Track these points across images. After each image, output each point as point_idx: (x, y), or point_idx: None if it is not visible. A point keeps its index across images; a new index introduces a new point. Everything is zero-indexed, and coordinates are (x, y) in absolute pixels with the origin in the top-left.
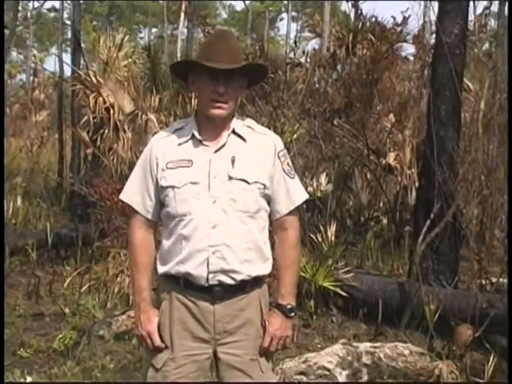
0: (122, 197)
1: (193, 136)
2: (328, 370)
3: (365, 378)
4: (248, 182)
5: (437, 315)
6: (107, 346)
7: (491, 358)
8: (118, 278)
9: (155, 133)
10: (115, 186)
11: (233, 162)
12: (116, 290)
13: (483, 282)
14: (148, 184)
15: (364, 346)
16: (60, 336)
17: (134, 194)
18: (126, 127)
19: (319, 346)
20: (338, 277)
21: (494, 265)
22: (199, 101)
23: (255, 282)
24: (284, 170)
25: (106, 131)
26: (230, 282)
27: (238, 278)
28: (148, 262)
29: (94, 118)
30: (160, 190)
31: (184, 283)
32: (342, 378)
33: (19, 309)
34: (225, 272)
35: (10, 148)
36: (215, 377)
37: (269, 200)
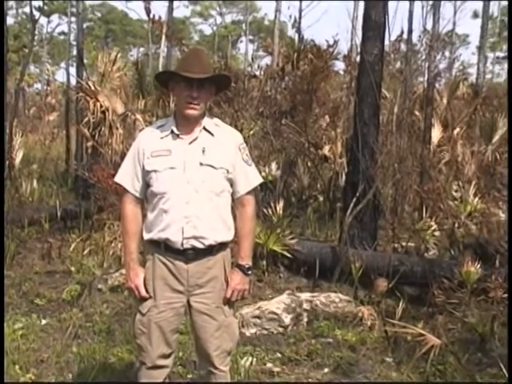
0: (116, 179)
1: (172, 131)
2: (276, 314)
3: (305, 319)
4: (215, 168)
5: (360, 271)
6: (104, 296)
7: (401, 303)
8: (113, 244)
9: (142, 129)
10: (110, 171)
11: (203, 151)
12: (111, 252)
13: (395, 245)
14: (136, 169)
15: (304, 295)
16: (67, 289)
17: (126, 177)
18: (118, 125)
19: (270, 296)
20: (284, 242)
21: (404, 232)
22: (177, 103)
23: (220, 246)
24: (243, 159)
25: (103, 128)
26: (200, 246)
27: (207, 242)
28: (136, 230)
29: (93, 118)
30: (145, 174)
31: (164, 247)
32: (287, 320)
33: (35, 267)
34: (196, 238)
35: (27, 141)
36: (188, 319)
37: (231, 183)
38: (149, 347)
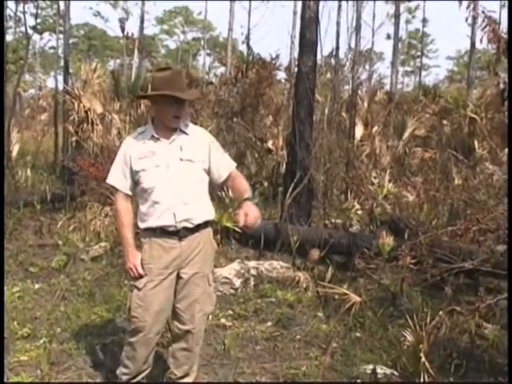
0: (108, 181)
1: (152, 136)
2: (229, 278)
3: (252, 283)
4: (193, 161)
5: (297, 243)
6: (86, 265)
7: (330, 269)
8: (93, 222)
9: (118, 127)
10: (90, 161)
11: (181, 149)
12: (92, 229)
13: (326, 222)
14: (125, 171)
15: (252, 263)
16: (56, 259)
17: (116, 178)
18: (98, 123)
19: (223, 264)
20: (235, 220)
21: (333, 211)
22: (162, 115)
23: (205, 224)
24: (218, 149)
25: (85, 125)
26: (190, 226)
27: (195, 222)
28: (130, 221)
29: (77, 117)
30: (135, 173)
31: (160, 231)
32: (237, 284)
33: (29, 241)
34: (187, 220)
35: (23, 137)
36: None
37: (207, 172)
38: (147, 317)
